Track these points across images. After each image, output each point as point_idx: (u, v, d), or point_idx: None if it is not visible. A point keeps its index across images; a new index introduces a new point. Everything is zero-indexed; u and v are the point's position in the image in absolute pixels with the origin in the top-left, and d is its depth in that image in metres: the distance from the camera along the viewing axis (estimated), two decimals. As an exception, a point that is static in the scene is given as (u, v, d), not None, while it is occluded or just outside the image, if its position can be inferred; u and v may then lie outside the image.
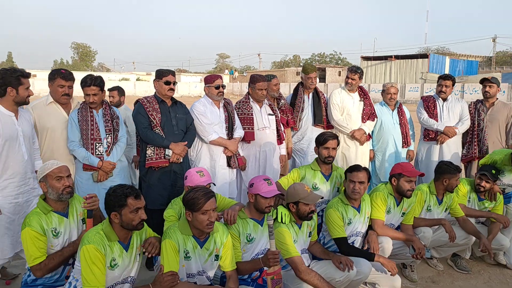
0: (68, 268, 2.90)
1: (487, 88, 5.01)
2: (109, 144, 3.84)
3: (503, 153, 4.29)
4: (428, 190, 4.10)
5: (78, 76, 3.84)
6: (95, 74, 4.23)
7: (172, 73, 4.12)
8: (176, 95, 4.26)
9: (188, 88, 46.39)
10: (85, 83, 3.77)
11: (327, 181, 3.94)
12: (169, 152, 3.93)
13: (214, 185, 3.45)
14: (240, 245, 3.09)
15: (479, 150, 4.95)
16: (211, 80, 4.33)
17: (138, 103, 4.06)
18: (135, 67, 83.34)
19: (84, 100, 3.85)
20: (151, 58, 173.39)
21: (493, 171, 4.17)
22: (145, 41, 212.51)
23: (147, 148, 3.96)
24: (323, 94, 5.35)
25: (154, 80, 4.12)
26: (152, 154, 3.94)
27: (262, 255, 3.10)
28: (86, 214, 2.94)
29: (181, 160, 4.02)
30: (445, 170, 4.02)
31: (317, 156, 3.99)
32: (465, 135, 5.16)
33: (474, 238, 4.08)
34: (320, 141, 3.88)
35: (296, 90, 5.35)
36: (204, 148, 4.32)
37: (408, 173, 3.72)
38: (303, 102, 5.22)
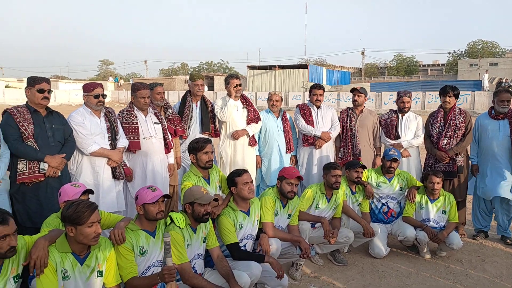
0: None
1: (356, 97, 5.56)
2: None
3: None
4: (318, 189, 4.49)
5: None
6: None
7: (46, 80, 3.82)
8: (54, 104, 3.99)
9: (68, 96, 42.98)
10: None
11: (209, 184, 4.03)
12: (44, 165, 3.63)
13: (93, 193, 3.29)
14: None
15: (352, 153, 5.45)
16: (90, 89, 4.10)
17: (6, 113, 3.69)
18: (3, 72, 74.54)
19: None
20: (24, 63, 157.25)
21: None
22: (15, 44, 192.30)
23: (18, 162, 3.62)
24: (210, 102, 5.43)
25: (25, 88, 3.77)
26: (24, 169, 3.61)
27: (155, 267, 3.04)
28: None
29: (59, 174, 3.74)
30: (324, 168, 4.54)
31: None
32: (338, 140, 5.64)
33: (353, 237, 4.49)
34: (198, 147, 3.92)
35: (184, 98, 5.35)
36: (85, 160, 4.07)
37: (288, 176, 3.99)
38: (192, 110, 5.23)
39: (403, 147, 5.37)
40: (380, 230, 4.69)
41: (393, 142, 5.42)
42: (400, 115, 5.52)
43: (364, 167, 4.80)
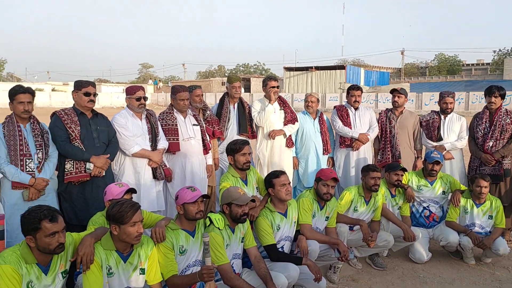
0: None
1: (396, 98, 5.44)
2: (40, 160, 3.61)
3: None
4: (357, 192, 4.44)
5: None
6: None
7: (92, 84, 3.99)
8: (97, 106, 4.13)
9: (110, 98, 44.46)
10: (17, 90, 3.53)
11: (246, 185, 4.05)
12: (90, 165, 3.79)
13: (135, 192, 3.40)
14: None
15: (392, 155, 5.33)
16: (132, 92, 4.24)
17: (55, 115, 3.88)
18: (50, 76, 78.17)
19: (10, 113, 3.61)
20: (68, 67, 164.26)
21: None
22: (61, 49, 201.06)
23: (66, 162, 3.79)
24: (247, 104, 5.47)
25: (72, 91, 3.95)
26: (72, 168, 3.77)
27: (194, 267, 3.10)
28: None
29: (104, 174, 3.89)
30: (362, 170, 4.49)
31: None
32: (377, 141, 5.55)
33: (393, 241, 4.38)
34: (235, 149, 3.96)
35: (222, 100, 5.42)
36: (127, 161, 4.21)
37: (324, 177, 3.96)
38: (229, 112, 5.29)
39: (445, 149, 5.20)
40: (421, 234, 4.56)
41: (435, 144, 5.27)
42: (442, 116, 5.36)
43: (404, 169, 4.69)
